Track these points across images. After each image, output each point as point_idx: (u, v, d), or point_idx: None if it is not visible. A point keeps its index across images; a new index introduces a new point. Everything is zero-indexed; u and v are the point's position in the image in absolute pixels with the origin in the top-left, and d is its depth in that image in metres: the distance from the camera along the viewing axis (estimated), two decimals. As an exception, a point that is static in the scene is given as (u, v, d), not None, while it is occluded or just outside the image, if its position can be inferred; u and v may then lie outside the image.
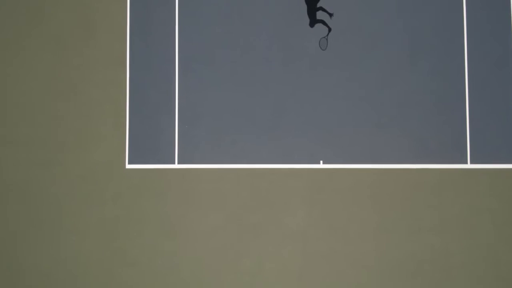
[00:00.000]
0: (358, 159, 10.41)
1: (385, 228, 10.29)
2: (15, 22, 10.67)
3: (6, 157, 10.45)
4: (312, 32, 10.62)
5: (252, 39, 10.64)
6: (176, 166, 10.51)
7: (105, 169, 10.51)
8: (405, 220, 10.30)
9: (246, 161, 10.48)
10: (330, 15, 10.39)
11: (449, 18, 10.61)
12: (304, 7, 10.58)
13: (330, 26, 10.47)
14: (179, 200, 10.45)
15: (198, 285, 10.27)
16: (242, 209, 10.39)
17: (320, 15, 10.50)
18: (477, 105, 10.48)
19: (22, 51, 10.65)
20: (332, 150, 10.45)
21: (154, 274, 10.30)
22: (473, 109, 10.46)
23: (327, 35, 10.52)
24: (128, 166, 10.51)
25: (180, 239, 10.35)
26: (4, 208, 10.38)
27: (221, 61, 10.62)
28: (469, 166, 10.34)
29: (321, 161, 10.44)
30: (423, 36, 10.58)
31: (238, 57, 10.62)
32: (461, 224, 10.26)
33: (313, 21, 10.35)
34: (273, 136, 10.51)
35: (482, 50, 10.57)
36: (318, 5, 10.39)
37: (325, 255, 10.28)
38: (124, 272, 10.31)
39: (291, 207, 10.41)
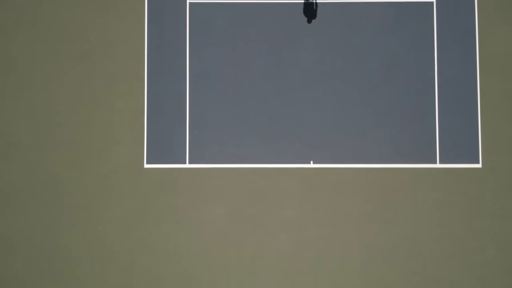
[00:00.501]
0: (343, 159, 12.12)
1: (366, 219, 11.99)
2: (50, 42, 12.41)
3: (42, 158, 12.19)
4: (304, 52, 12.33)
5: (252, 58, 12.36)
6: (187, 165, 12.24)
7: (126, 168, 12.24)
8: (383, 212, 11.99)
9: (247, 161, 12.19)
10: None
11: (421, 39, 12.31)
12: (297, 29, 12.31)
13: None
14: (189, 195, 12.17)
15: (206, 266, 11.98)
16: (243, 202, 12.11)
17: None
18: (446, 113, 12.17)
19: (55, 68, 12.39)
20: (321, 152, 12.15)
21: (168, 258, 12.02)
22: (442, 117, 12.15)
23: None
24: (146, 165, 12.25)
25: (190, 227, 12.07)
26: (40, 201, 12.11)
27: (226, 75, 12.35)
28: (438, 165, 12.04)
29: (311, 161, 12.17)
30: (398, 54, 12.28)
31: (240, 72, 12.35)
32: (431, 216, 11.95)
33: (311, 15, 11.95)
34: (270, 140, 12.21)
35: (450, 65, 12.26)
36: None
37: (314, 242, 11.98)
38: (143, 256, 12.03)
39: (285, 201, 12.12)
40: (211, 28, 12.42)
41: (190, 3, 12.38)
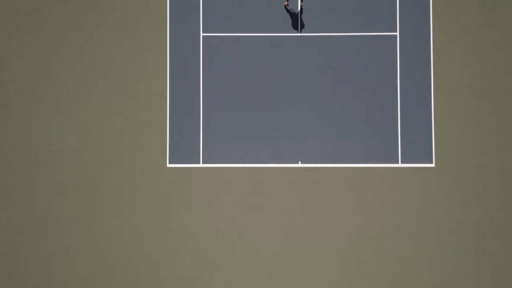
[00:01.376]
0: (324, 160, 15.21)
1: (341, 207, 15.06)
2: (92, 67, 15.56)
3: (86, 159, 15.31)
4: (293, 75, 15.45)
5: (252, 79, 15.48)
6: (201, 165, 15.35)
7: (152, 167, 15.33)
8: (352, 201, 15.06)
9: (248, 162, 15.29)
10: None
11: (387, 64, 15.44)
12: (288, 56, 15.45)
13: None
14: (202, 188, 15.25)
15: (216, 245, 15.03)
16: (245, 194, 15.18)
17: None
18: (406, 122, 15.26)
19: (96, 87, 15.51)
20: (307, 154, 15.26)
21: (186, 239, 15.09)
22: (403, 125, 15.25)
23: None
24: (168, 165, 15.36)
25: (203, 214, 15.16)
26: (86, 193, 15.21)
27: (231, 93, 15.46)
28: (399, 165, 15.15)
29: (299, 162, 15.27)
30: (368, 76, 15.39)
31: (243, 91, 15.47)
32: (395, 207, 15.02)
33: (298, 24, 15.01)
34: (266, 145, 15.31)
35: (410, 84, 15.36)
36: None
37: (302, 226, 15.05)
38: (167, 237, 15.11)
39: (279, 194, 15.19)
40: (220, 56, 15.56)
41: (203, 36, 15.57)
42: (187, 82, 15.56)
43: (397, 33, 15.51)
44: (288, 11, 15.39)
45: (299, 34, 15.41)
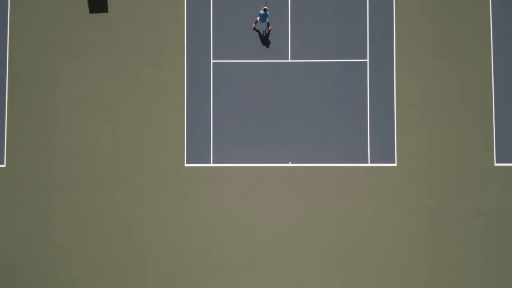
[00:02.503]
0: (309, 161, 19.18)
1: (323, 198, 18.99)
2: (118, 87, 19.51)
3: (114, 160, 19.23)
4: (286, 95, 19.43)
5: (252, 96, 19.45)
6: (211, 165, 19.29)
7: (172, 166, 19.24)
8: (332, 194, 18.99)
9: (249, 162, 19.24)
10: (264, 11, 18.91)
11: (357, 86, 19.43)
12: (280, 79, 19.43)
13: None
14: (212, 183, 19.16)
15: (222, 228, 18.95)
16: (246, 188, 19.12)
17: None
18: (375, 128, 19.25)
19: (124, 105, 19.48)
20: (296, 156, 19.22)
21: (199, 223, 18.99)
22: (372, 132, 19.23)
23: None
24: (186, 165, 19.30)
25: (212, 204, 19.07)
26: (113, 190, 19.13)
27: (236, 108, 19.44)
28: (369, 164, 19.12)
29: (290, 162, 19.23)
30: (344, 94, 19.38)
31: (245, 106, 19.43)
32: (364, 200, 18.97)
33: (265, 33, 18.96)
34: (264, 148, 19.28)
35: (377, 98, 19.34)
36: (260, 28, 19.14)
37: (292, 214, 18.98)
38: (183, 223, 19.01)
39: (273, 188, 19.13)
40: (226, 77, 19.55)
41: (213, 62, 19.58)
42: (201, 98, 19.52)
43: (367, 60, 19.52)
44: (258, 32, 19.35)
45: (289, 60, 19.43)
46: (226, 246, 19.00)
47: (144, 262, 18.93)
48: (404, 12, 19.56)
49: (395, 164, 19.18)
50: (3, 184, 19.11)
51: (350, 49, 19.54)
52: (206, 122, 19.48)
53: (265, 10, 18.61)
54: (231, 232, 19.07)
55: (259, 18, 18.93)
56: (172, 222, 19.09)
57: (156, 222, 19.08)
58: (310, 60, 19.52)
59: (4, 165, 19.13)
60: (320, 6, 19.61)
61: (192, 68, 19.59)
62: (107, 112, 19.39)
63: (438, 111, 19.29)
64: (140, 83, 19.50)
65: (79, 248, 18.95)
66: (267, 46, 19.56)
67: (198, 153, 19.37)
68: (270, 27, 19.42)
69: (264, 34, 19.47)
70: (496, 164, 19.12)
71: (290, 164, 19.24)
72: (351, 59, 19.50)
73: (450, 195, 19.04)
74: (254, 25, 19.43)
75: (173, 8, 19.61)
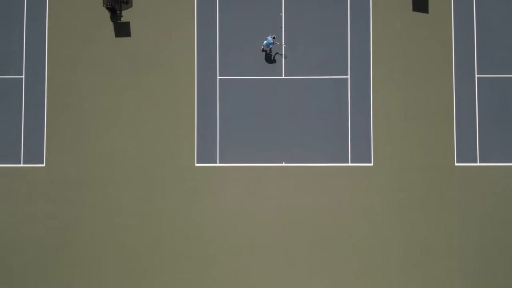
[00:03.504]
0: (300, 161, 22.84)
1: (311, 192, 22.57)
2: (139, 100, 23.18)
3: (135, 161, 22.86)
4: (280, 106, 23.10)
5: (251, 106, 23.12)
6: (218, 164, 22.93)
7: (185, 166, 22.84)
8: (319, 188, 22.60)
9: (249, 162, 22.89)
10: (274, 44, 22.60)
11: (339, 99, 23.12)
12: (276, 91, 23.11)
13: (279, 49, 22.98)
14: (219, 179, 22.74)
15: (227, 216, 22.55)
16: (247, 183, 22.73)
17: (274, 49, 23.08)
18: (355, 133, 22.91)
19: (144, 115, 23.15)
20: (289, 157, 22.89)
21: (208, 212, 22.57)
22: (353, 137, 22.90)
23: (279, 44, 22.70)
24: (196, 164, 22.94)
25: (219, 197, 22.67)
26: (133, 186, 22.75)
27: (239, 115, 23.09)
28: (349, 164, 22.77)
29: (283, 162, 22.88)
30: (326, 101, 23.04)
31: (246, 113, 23.10)
32: (346, 190, 22.61)
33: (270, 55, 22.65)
34: (261, 150, 22.93)
35: (356, 107, 22.98)
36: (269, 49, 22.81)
37: (285, 204, 22.58)
38: (195, 213, 22.61)
39: (270, 184, 22.75)
40: (230, 91, 23.23)
41: (219, 78, 23.26)
42: (208, 109, 23.17)
43: (348, 76, 23.21)
44: (265, 52, 22.99)
45: (282, 77, 23.13)
46: (229, 231, 22.56)
47: (162, 244, 22.51)
48: (379, 37, 23.25)
49: (371, 164, 22.82)
50: (43, 180, 22.74)
51: (334, 67, 23.22)
52: (213, 129, 23.11)
53: (274, 38, 22.23)
54: (234, 220, 22.65)
55: (265, 43, 22.46)
56: (185, 211, 22.69)
57: (172, 212, 22.68)
58: (301, 76, 23.20)
59: (44, 165, 22.79)
60: (309, 32, 23.29)
61: (201, 83, 23.25)
62: (130, 120, 23.03)
63: (408, 119, 22.94)
64: (157, 96, 23.15)
65: (107, 234, 22.56)
66: (264, 65, 23.27)
67: (206, 155, 23.01)
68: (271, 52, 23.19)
69: (269, 54, 23.05)
70: (456, 164, 22.76)
71: (283, 164, 22.88)
72: (335, 75, 23.17)
73: (418, 190, 22.63)
74: (262, 47, 22.92)
75: (185, 33, 23.30)
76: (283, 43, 22.62)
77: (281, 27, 22.94)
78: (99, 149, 22.86)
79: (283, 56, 22.87)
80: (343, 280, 22.30)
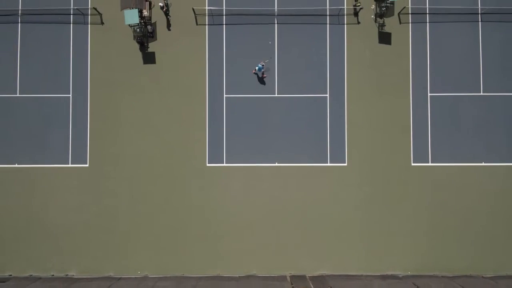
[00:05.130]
0: (289, 161, 28.99)
1: (298, 186, 28.63)
2: (161, 112, 29.29)
3: (158, 163, 28.98)
4: (273, 118, 29.24)
5: (250, 118, 29.22)
6: (225, 164, 29.07)
7: (198, 166, 28.91)
8: (304, 183, 28.72)
9: (249, 162, 29.02)
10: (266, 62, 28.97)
11: (320, 109, 29.26)
12: (270, 106, 29.24)
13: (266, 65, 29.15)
14: (226, 177, 28.76)
15: (232, 204, 28.74)
16: (248, 180, 28.73)
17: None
18: (333, 137, 29.10)
19: (165, 124, 29.25)
20: (280, 158, 29.04)
21: (217, 202, 28.65)
22: (332, 141, 29.04)
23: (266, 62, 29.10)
24: (208, 164, 29.09)
25: (226, 191, 28.71)
26: (154, 183, 28.87)
27: (240, 124, 29.22)
28: (328, 164, 28.92)
29: (276, 162, 29.04)
30: (311, 114, 29.17)
31: (246, 124, 29.23)
32: (326, 185, 28.77)
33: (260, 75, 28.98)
34: (259, 152, 29.01)
35: (335, 119, 29.14)
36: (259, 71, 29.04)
37: (278, 195, 28.66)
38: (208, 204, 28.69)
39: (265, 180, 28.82)
40: (235, 107, 29.32)
41: (226, 96, 29.36)
42: (217, 121, 29.23)
43: (327, 95, 29.31)
44: (256, 75, 29.08)
45: (275, 95, 29.25)
46: (234, 216, 28.57)
47: (182, 225, 28.56)
48: (352, 63, 29.26)
49: (345, 164, 28.97)
50: (87, 178, 28.88)
51: (316, 88, 29.27)
52: (220, 137, 29.22)
53: (262, 65, 28.35)
54: (237, 207, 28.71)
55: (257, 68, 28.63)
56: (199, 200, 28.76)
57: (190, 201, 28.76)
58: (290, 95, 29.29)
59: (87, 165, 28.91)
60: (297, 59, 29.33)
61: (211, 100, 29.29)
62: (155, 129, 29.09)
63: (374, 129, 29.01)
64: (177, 110, 29.19)
65: (140, 218, 28.72)
66: (261, 86, 29.40)
67: (216, 157, 29.12)
68: (265, 75, 29.23)
69: (261, 76, 29.19)
70: (412, 164, 28.89)
71: (276, 164, 29.04)
72: (317, 94, 29.26)
73: (382, 184, 28.74)
74: (254, 71, 29.12)
75: (199, 61, 29.21)
76: (269, 59, 28.57)
77: (270, 58, 28.91)
78: (131, 152, 28.91)
79: (275, 71, 29.04)
80: (322, 252, 28.51)
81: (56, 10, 29.04)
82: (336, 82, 29.23)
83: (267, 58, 28.79)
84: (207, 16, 29.22)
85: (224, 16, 29.19)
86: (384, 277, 27.59)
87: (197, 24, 29.32)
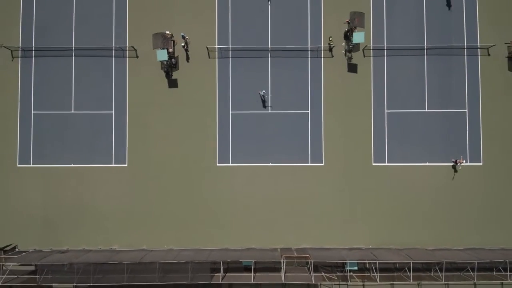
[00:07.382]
0: (281, 162, 37.97)
1: (289, 181, 37.56)
2: (176, 121, 38.27)
3: (173, 164, 37.90)
4: (267, 129, 38.26)
5: (250, 128, 38.18)
6: (231, 164, 38.01)
7: (209, 166, 37.68)
8: (293, 179, 37.64)
9: (249, 163, 37.99)
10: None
11: (303, 120, 38.30)
12: (265, 120, 38.27)
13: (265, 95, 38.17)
14: (231, 176, 37.55)
15: (237, 198, 37.63)
16: (248, 178, 37.61)
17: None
18: (314, 145, 38.08)
19: (179, 131, 38.23)
20: (274, 158, 38.00)
21: (225, 195, 37.59)
22: (312, 145, 38.11)
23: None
24: (217, 164, 38.03)
25: (232, 186, 37.67)
26: (170, 180, 37.76)
27: (243, 133, 38.20)
28: (309, 164, 37.97)
29: (270, 163, 38.02)
30: (296, 124, 38.18)
31: (248, 132, 38.22)
32: (309, 181, 37.80)
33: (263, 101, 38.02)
34: (258, 153, 37.96)
35: (315, 128, 38.16)
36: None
37: (273, 189, 37.54)
38: (216, 199, 37.65)
39: (261, 176, 37.76)
40: (239, 121, 38.26)
41: (231, 113, 38.31)
42: (225, 131, 38.19)
43: (309, 111, 38.29)
44: (260, 96, 38.12)
45: (269, 111, 38.28)
46: (238, 206, 37.53)
47: (198, 212, 37.47)
48: (328, 86, 38.21)
49: (323, 164, 37.98)
50: (126, 175, 37.77)
51: (300, 105, 38.17)
52: (227, 143, 38.15)
53: (264, 93, 37.31)
54: (240, 198, 37.67)
55: (261, 94, 37.57)
56: (211, 193, 37.64)
57: (203, 194, 37.64)
58: (280, 111, 38.27)
59: (126, 165, 37.90)
60: (285, 83, 38.27)
61: (220, 115, 38.22)
62: (177, 138, 37.93)
63: (345, 137, 37.91)
64: (194, 123, 38.04)
65: (166, 206, 37.64)
66: (259, 104, 38.40)
67: (223, 158, 38.09)
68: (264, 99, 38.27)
69: (263, 98, 38.14)
70: (373, 164, 37.92)
71: (270, 164, 38.06)
72: (301, 110, 38.23)
73: (350, 179, 37.61)
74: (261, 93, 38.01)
75: (210, 84, 38.15)
76: (264, 91, 37.58)
77: (264, 92, 37.85)
78: (159, 155, 37.82)
79: (269, 96, 38.11)
80: (304, 231, 37.53)
81: (102, 47, 38.08)
82: (316, 101, 38.19)
83: (262, 90, 37.90)
84: (217, 52, 38.25)
85: (230, 51, 38.23)
86: (350, 249, 36.62)
87: (209, 58, 38.34)
